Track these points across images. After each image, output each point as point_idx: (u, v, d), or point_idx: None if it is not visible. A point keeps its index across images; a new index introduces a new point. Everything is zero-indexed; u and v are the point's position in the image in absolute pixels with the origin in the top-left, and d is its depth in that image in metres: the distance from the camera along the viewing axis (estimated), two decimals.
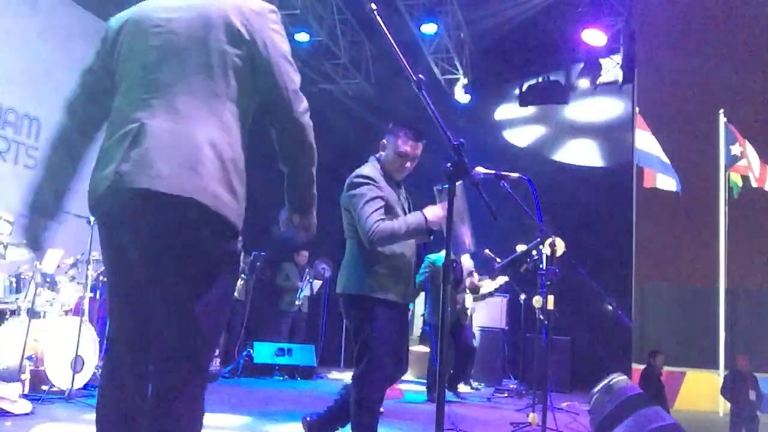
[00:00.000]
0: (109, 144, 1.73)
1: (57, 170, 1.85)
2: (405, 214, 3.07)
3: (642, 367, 7.69)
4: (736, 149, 8.48)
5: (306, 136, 1.87)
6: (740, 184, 8.41)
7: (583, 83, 10.04)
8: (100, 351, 5.21)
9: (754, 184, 8.35)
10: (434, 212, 2.89)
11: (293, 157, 1.91)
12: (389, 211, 2.95)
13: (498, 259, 6.97)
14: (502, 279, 7.49)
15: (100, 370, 1.89)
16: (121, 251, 1.72)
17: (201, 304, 1.66)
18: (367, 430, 2.86)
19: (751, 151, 8.38)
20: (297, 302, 8.57)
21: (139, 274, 1.71)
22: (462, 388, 7.31)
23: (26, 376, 4.40)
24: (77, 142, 1.87)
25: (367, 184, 2.94)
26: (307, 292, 8.66)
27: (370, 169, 3.05)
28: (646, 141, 8.56)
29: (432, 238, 2.97)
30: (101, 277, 5.70)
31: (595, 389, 5.21)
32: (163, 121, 1.67)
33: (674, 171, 8.45)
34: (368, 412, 2.88)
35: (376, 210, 2.88)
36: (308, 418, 3.22)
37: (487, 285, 7.45)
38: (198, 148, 1.67)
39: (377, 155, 3.12)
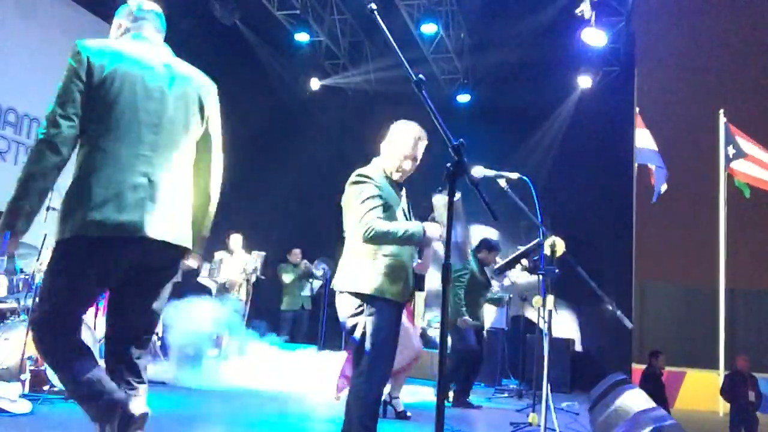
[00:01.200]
0: (116, 188, 2.12)
1: (42, 197, 2.15)
2: (405, 215, 3.09)
3: (642, 367, 7.69)
4: (734, 149, 8.48)
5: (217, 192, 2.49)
6: (746, 184, 8.40)
7: (583, 81, 10.03)
8: (100, 351, 5.20)
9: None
10: (434, 230, 2.92)
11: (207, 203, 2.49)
12: (388, 211, 2.95)
13: (498, 259, 6.98)
14: (506, 280, 7.49)
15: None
16: (122, 273, 2.21)
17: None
18: (368, 430, 2.86)
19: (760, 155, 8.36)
20: (318, 276, 8.61)
21: (137, 290, 2.28)
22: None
23: (26, 376, 4.40)
24: (57, 173, 2.15)
25: (367, 182, 2.96)
26: (307, 292, 8.67)
27: (371, 168, 3.07)
28: (645, 139, 8.56)
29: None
30: None
31: (595, 389, 5.21)
32: (167, 182, 2.22)
33: (664, 173, 8.45)
34: (370, 411, 2.88)
35: (374, 208, 2.89)
36: None
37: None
38: (188, 209, 2.32)
39: (380, 159, 3.13)
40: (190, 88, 2.32)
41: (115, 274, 2.20)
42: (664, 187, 8.48)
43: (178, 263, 2.33)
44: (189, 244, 2.31)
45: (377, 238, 2.87)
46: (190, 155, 2.33)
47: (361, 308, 2.93)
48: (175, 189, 2.24)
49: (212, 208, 2.46)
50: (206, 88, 2.40)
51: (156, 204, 2.17)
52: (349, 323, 3.00)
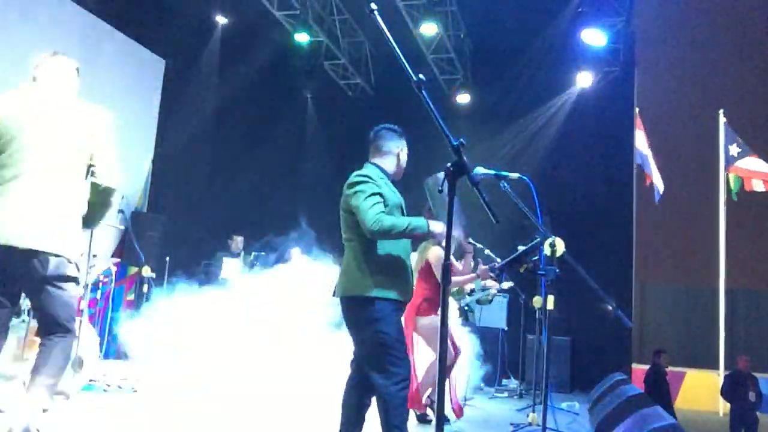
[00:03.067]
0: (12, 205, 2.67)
1: None
2: (403, 213, 3.14)
3: (642, 367, 7.70)
4: (735, 149, 8.48)
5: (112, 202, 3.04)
6: (737, 184, 8.39)
7: (583, 80, 10.03)
8: (101, 351, 5.21)
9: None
10: (438, 226, 3.00)
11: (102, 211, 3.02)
12: (387, 208, 3.00)
13: (498, 260, 6.98)
14: (506, 284, 7.48)
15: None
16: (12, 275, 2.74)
17: None
18: (399, 431, 2.87)
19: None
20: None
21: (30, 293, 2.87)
22: None
23: (27, 376, 4.40)
24: None
25: (366, 182, 3.00)
26: None
27: (369, 170, 3.12)
28: (643, 142, 8.57)
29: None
30: (101, 277, 5.71)
31: (595, 389, 5.22)
32: (53, 205, 2.73)
33: (657, 183, 8.46)
34: (399, 412, 2.88)
35: (377, 203, 2.94)
36: None
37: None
38: (64, 219, 2.77)
39: (373, 161, 3.19)
40: (72, 123, 2.82)
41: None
42: (661, 186, 8.47)
43: (55, 267, 2.73)
44: (59, 251, 2.72)
45: (384, 232, 2.90)
46: (79, 179, 2.83)
47: (369, 311, 2.92)
48: (49, 202, 2.73)
49: (100, 208, 2.96)
50: (92, 121, 2.88)
51: (48, 221, 2.70)
52: (357, 327, 3.00)
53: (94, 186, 2.91)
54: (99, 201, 2.94)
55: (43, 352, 2.82)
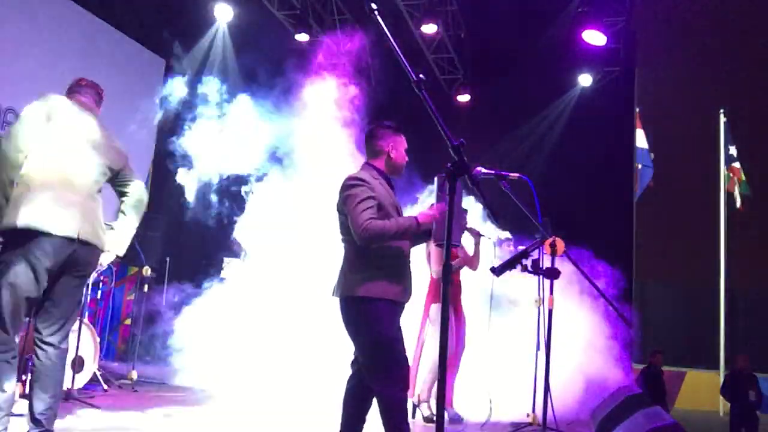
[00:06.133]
0: (56, 203, 3.03)
1: None
2: (398, 213, 3.13)
3: (642, 367, 7.70)
4: (735, 149, 8.49)
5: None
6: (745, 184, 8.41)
7: (584, 81, 10.03)
8: (101, 351, 5.21)
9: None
10: (425, 214, 2.98)
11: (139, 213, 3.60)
12: (381, 210, 2.99)
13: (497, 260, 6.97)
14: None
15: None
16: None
17: None
18: (401, 431, 2.87)
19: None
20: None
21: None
22: None
23: (26, 377, 4.40)
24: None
25: (360, 185, 2.99)
26: None
27: (363, 172, 3.11)
28: (640, 138, 8.58)
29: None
30: (102, 278, 5.71)
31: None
32: (88, 207, 3.17)
33: (650, 171, 8.44)
34: (400, 413, 2.88)
35: (368, 208, 2.92)
36: None
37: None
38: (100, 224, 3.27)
39: (368, 162, 3.18)
40: (106, 151, 3.32)
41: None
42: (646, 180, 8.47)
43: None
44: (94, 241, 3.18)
45: (374, 238, 2.89)
46: (100, 191, 3.30)
47: (365, 311, 2.92)
48: (97, 217, 3.22)
49: (130, 220, 3.52)
50: (120, 153, 3.46)
51: (88, 222, 3.14)
52: (354, 327, 2.99)
53: (129, 197, 3.50)
54: (136, 207, 3.52)
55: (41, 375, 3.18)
